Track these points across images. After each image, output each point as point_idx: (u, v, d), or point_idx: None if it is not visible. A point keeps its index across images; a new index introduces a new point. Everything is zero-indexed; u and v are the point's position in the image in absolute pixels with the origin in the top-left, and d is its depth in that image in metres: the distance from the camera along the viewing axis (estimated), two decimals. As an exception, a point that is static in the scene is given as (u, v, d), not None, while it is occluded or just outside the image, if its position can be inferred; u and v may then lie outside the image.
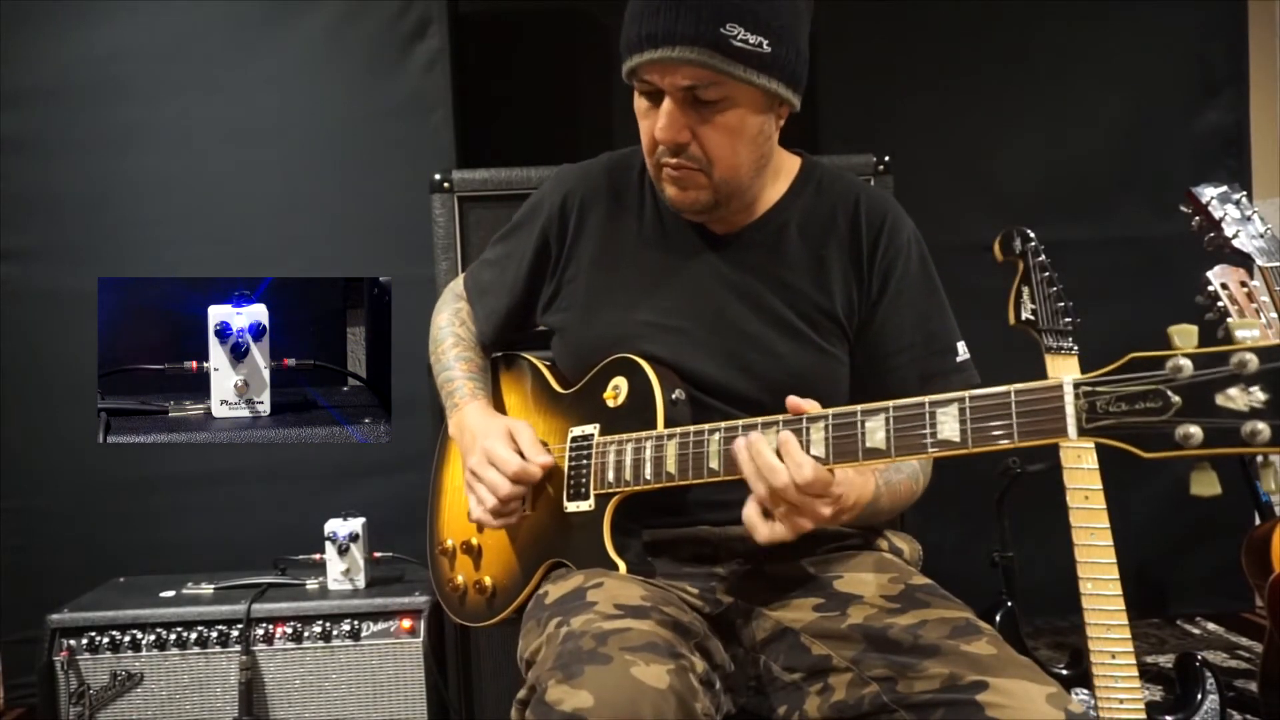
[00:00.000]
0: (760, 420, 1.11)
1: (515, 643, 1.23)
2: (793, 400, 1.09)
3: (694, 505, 1.30)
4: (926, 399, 0.99)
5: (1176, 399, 0.82)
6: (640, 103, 1.26)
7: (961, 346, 1.35)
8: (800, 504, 1.06)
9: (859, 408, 1.04)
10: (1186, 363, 0.81)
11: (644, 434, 1.22)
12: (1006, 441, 0.93)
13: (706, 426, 1.16)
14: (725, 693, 1.16)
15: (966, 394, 0.96)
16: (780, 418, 1.10)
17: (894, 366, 1.33)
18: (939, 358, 1.34)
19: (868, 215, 1.33)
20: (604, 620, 1.06)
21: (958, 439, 0.96)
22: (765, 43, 1.16)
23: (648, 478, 1.21)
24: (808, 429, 1.07)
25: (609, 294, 1.36)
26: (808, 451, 1.06)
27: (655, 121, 1.22)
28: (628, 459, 1.23)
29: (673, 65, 1.16)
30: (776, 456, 1.06)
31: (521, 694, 1.05)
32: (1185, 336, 0.84)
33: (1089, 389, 0.87)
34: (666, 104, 1.20)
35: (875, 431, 1.02)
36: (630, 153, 1.42)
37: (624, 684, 0.96)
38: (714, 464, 1.15)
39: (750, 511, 1.10)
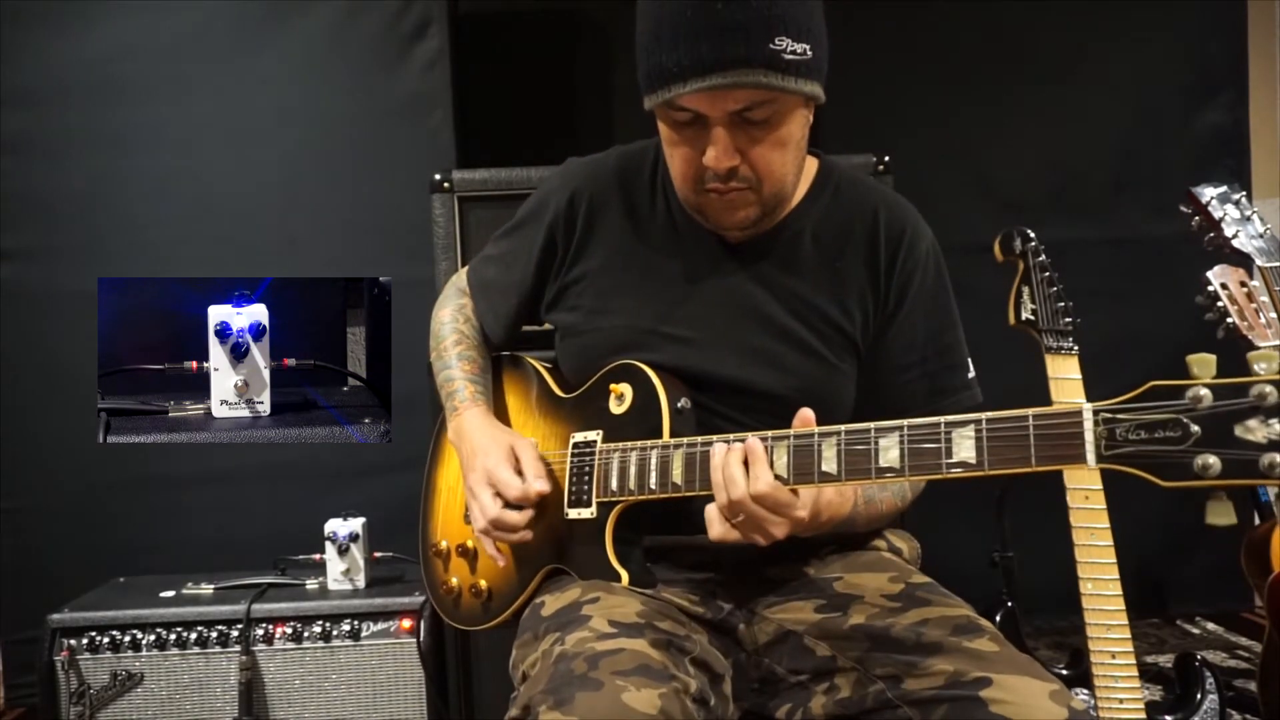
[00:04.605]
0: (770, 434, 1.09)
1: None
2: (804, 414, 1.07)
3: (693, 513, 1.27)
4: (942, 420, 0.97)
5: (1196, 429, 0.82)
6: (671, 133, 1.19)
7: (971, 363, 1.33)
8: (755, 517, 1.06)
9: (872, 426, 1.02)
10: (1206, 393, 0.82)
11: (649, 443, 1.20)
12: (1024, 466, 0.92)
13: (715, 438, 1.13)
14: (726, 699, 1.15)
15: (984, 416, 0.95)
16: (790, 431, 1.07)
17: (904, 380, 1.30)
18: (950, 373, 1.31)
19: (887, 228, 1.29)
20: (597, 640, 1.05)
21: (974, 460, 0.95)
22: (808, 49, 1.10)
23: (652, 487, 1.18)
24: (819, 445, 1.05)
25: (617, 299, 1.32)
26: (818, 468, 1.04)
27: (692, 149, 1.17)
28: (632, 467, 1.20)
29: (724, 91, 1.10)
30: (743, 469, 1.06)
31: (515, 712, 1.04)
32: (1204, 366, 0.84)
33: (1109, 416, 0.86)
34: (719, 132, 1.14)
35: (889, 450, 1.00)
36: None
37: (614, 710, 0.96)
38: None
39: (711, 508, 1.10)
